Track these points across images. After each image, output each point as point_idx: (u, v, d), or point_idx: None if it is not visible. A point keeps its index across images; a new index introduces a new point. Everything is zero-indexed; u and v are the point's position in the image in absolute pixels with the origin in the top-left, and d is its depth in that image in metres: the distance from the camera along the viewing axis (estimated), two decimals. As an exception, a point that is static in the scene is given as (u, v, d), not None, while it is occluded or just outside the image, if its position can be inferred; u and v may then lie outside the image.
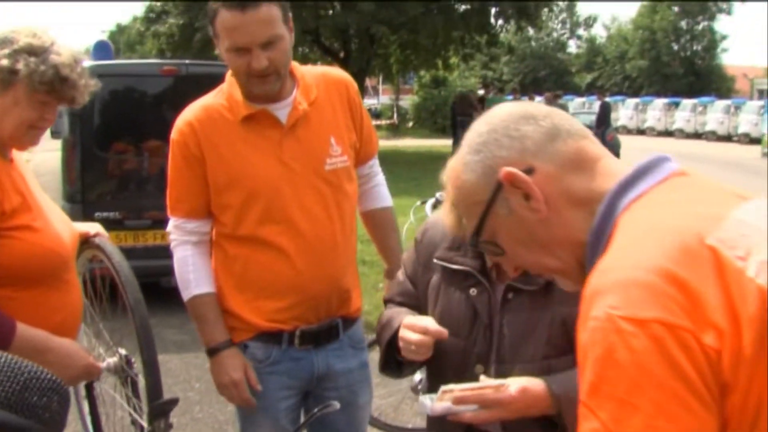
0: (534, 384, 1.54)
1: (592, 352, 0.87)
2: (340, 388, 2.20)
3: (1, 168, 1.82)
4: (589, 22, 59.98)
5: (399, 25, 18.23)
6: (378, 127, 29.14)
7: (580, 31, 60.91)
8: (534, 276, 1.61)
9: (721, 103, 31.60)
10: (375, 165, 2.36)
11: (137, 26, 25.24)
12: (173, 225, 2.15)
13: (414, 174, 13.31)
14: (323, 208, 2.10)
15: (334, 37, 21.02)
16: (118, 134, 6.05)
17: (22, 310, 1.80)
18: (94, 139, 5.89)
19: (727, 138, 29.33)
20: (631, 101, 36.50)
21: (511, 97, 22.97)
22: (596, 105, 22.67)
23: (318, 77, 2.17)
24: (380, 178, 2.39)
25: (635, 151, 20.88)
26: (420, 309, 1.81)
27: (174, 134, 2.09)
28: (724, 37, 50.95)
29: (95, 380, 2.24)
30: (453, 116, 20.88)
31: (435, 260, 1.77)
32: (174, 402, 2.01)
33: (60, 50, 1.82)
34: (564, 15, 58.34)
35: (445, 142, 20.56)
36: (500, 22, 21.37)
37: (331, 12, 18.87)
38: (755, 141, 25.86)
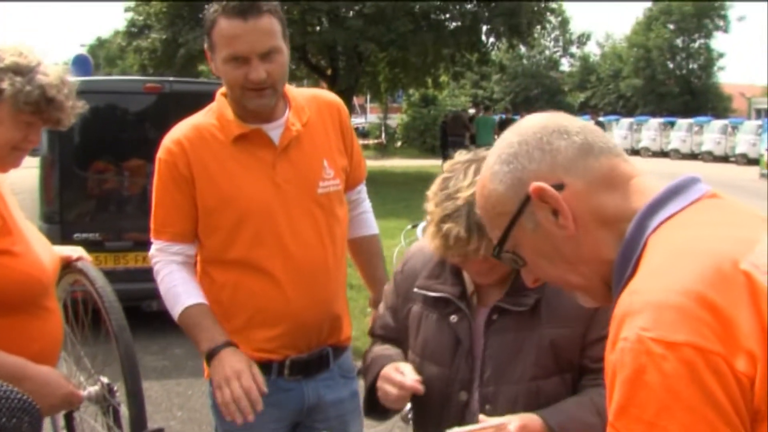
0: (531, 420, 1.58)
1: (621, 373, 0.88)
2: (331, 419, 2.19)
3: (-19, 190, 1.82)
4: (583, 40, 60.56)
5: (388, 43, 18.36)
6: (365, 146, 29.27)
7: (573, 49, 61.47)
8: (522, 297, 1.69)
9: (718, 123, 31.78)
10: (363, 191, 2.39)
11: (118, 40, 25.27)
12: (157, 248, 2.11)
13: (403, 195, 13.34)
14: (315, 232, 2.10)
15: (321, 54, 21.13)
16: (98, 153, 6.04)
17: (-1, 337, 1.79)
18: (74, 158, 5.88)
19: (724, 159, 29.55)
20: (626, 121, 36.74)
21: (499, 117, 23.08)
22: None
23: (310, 99, 2.19)
24: (367, 204, 2.41)
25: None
26: (401, 342, 1.88)
27: (162, 153, 2.07)
28: (720, 55, 51.38)
29: (75, 409, 2.22)
30: (443, 136, 20.96)
31: (415, 289, 1.82)
32: (159, 432, 1.99)
33: (47, 70, 1.82)
34: (557, 32, 58.92)
35: (435, 163, 20.63)
36: (491, 39, 21.55)
37: (318, 28, 18.98)
38: (753, 162, 26.05)
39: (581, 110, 49.48)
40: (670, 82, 49.27)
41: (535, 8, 20.48)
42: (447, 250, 1.65)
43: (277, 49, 1.96)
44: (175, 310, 2.04)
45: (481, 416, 1.61)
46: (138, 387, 1.96)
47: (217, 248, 2.08)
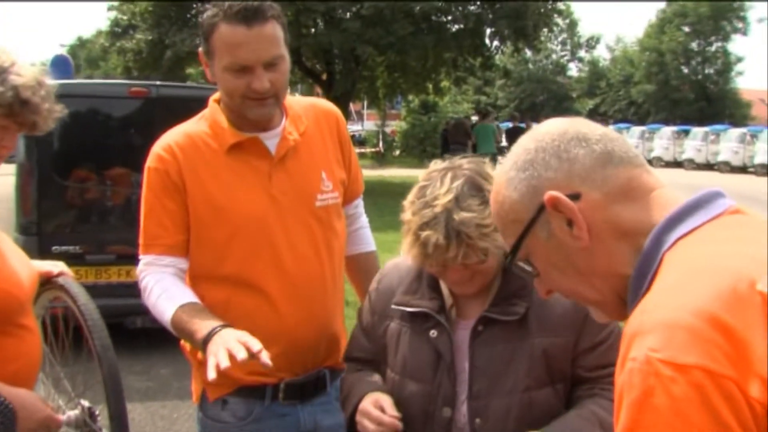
0: None
1: (629, 395, 0.89)
2: (328, 446, 2.18)
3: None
4: (592, 44, 60.90)
5: (386, 46, 18.40)
6: (362, 155, 29.29)
7: (582, 53, 61.80)
8: (511, 306, 1.75)
9: (736, 131, 31.84)
10: (360, 206, 2.40)
11: (101, 41, 25.31)
12: (145, 262, 2.07)
13: (401, 206, 13.32)
14: (312, 247, 2.10)
15: (316, 58, 21.16)
16: (79, 160, 6.04)
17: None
18: (53, 165, 5.87)
19: (742, 169, 29.59)
20: (637, 129, 36.87)
21: (507, 125, 23.14)
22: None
23: (307, 108, 2.20)
24: (364, 219, 2.42)
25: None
26: (378, 363, 1.93)
27: (152, 161, 2.06)
28: (739, 59, 51.43)
29: (54, 435, 2.20)
30: (443, 144, 20.98)
31: (393, 306, 1.88)
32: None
33: (21, 71, 1.81)
34: (564, 35, 59.21)
35: (436, 172, 20.60)
36: (496, 43, 21.60)
37: (313, 30, 19.03)
38: (773, 172, 26.20)
39: (590, 117, 49.33)
40: (685, 87, 49.38)
41: (542, 10, 20.53)
42: (426, 258, 1.70)
43: (281, 58, 1.97)
44: (167, 315, 1.96)
45: None
46: (122, 410, 1.94)
47: (207, 263, 2.07)
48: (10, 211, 6.06)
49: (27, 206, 5.86)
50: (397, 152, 33.47)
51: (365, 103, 38.21)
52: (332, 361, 2.19)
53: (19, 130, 1.86)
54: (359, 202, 2.39)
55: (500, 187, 1.14)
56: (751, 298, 0.88)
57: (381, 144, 31.91)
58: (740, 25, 49.12)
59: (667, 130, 35.02)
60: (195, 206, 2.04)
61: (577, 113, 53.27)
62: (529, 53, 42.12)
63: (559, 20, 28.35)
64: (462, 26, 20.10)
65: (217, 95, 2.13)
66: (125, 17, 21.40)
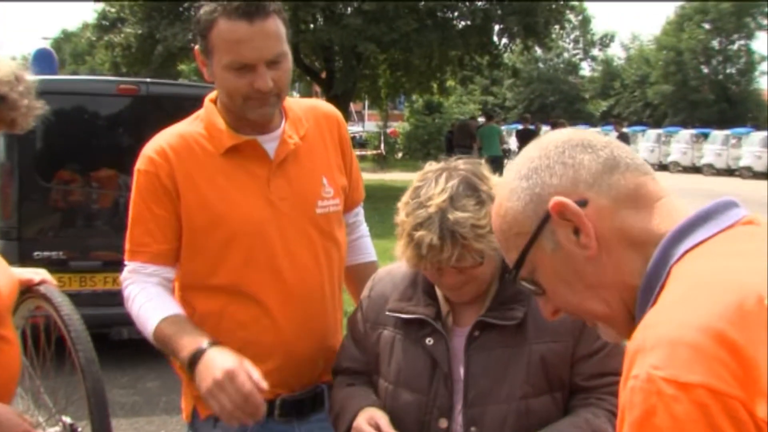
0: None
1: (630, 415, 0.89)
2: (326, 464, 2.18)
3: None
4: (606, 42, 61.03)
5: (389, 43, 18.45)
6: (363, 157, 29.32)
7: (595, 52, 61.92)
8: (509, 311, 1.78)
9: (759, 135, 31.63)
10: (360, 214, 2.40)
11: (87, 34, 25.34)
12: (129, 269, 2.07)
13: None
14: (312, 256, 2.10)
15: (315, 55, 21.22)
16: (63, 161, 6.04)
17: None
18: (36, 166, 5.87)
19: (766, 175, 29.53)
20: (653, 132, 36.92)
21: (516, 126, 23.16)
22: (613, 136, 22.73)
23: (307, 110, 2.19)
24: (364, 228, 2.43)
25: (658, 189, 20.88)
26: (370, 374, 1.96)
27: (142, 164, 2.06)
28: (763, 58, 51.47)
29: (33, 453, 2.19)
30: (449, 147, 21.02)
31: (387, 312, 1.91)
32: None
33: None
34: (577, 33, 59.34)
35: (440, 176, 20.62)
36: (504, 40, 21.66)
37: (312, 26, 19.08)
38: (799, 179, 26.15)
39: (603, 120, 49.76)
40: (704, 88, 49.33)
41: (553, 6, 20.60)
42: (420, 260, 1.73)
43: (284, 55, 1.97)
44: (149, 327, 1.96)
45: None
46: (106, 427, 1.93)
47: (200, 272, 2.07)
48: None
49: (7, 209, 5.85)
50: (400, 155, 33.52)
51: (366, 103, 38.34)
52: (330, 376, 2.17)
53: None
54: (359, 210, 2.40)
55: (502, 199, 1.15)
56: (759, 314, 0.88)
57: (382, 146, 31.96)
58: (765, 21, 48.94)
59: (685, 134, 35.02)
60: (188, 212, 2.03)
61: (590, 115, 53.40)
62: (539, 51, 42.22)
63: (571, 17, 28.50)
64: (469, 23, 20.16)
65: (213, 95, 2.12)
66: (113, 10, 21.37)
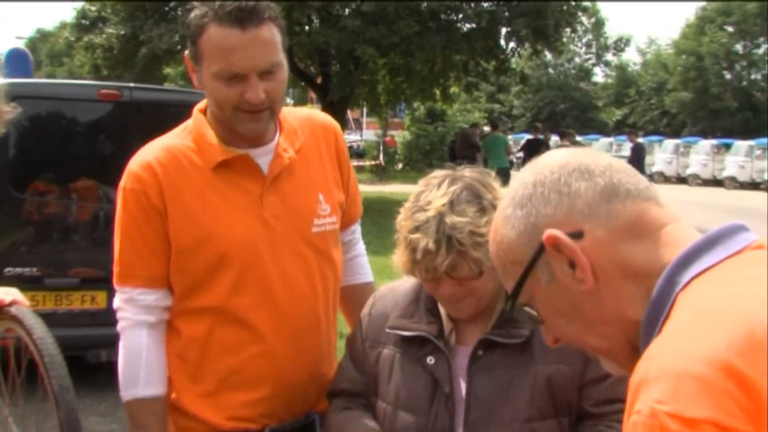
0: None
1: None
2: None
3: None
4: (620, 46, 61.29)
5: (389, 47, 18.49)
6: (361, 168, 29.38)
7: (609, 56, 62.18)
8: (514, 329, 1.80)
9: (786, 146, 31.88)
10: (357, 231, 2.41)
11: (65, 34, 25.36)
12: (125, 298, 2.08)
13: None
14: (307, 278, 2.10)
15: (310, 59, 21.29)
16: (39, 170, 6.02)
17: None
18: (9, 176, 5.85)
19: (794, 189, 29.61)
20: (671, 142, 37.00)
21: (524, 136, 23.20)
22: (627, 147, 22.96)
23: (302, 121, 2.20)
24: (361, 247, 2.44)
25: (675, 203, 20.91)
26: (367, 396, 1.98)
27: (128, 181, 2.05)
28: (791, 63, 51.49)
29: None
30: (451, 158, 21.06)
31: (387, 330, 1.95)
32: None
33: None
34: (589, 36, 59.58)
35: (443, 189, 20.64)
36: (512, 44, 21.75)
37: (307, 28, 19.14)
38: (828, 194, 26.15)
39: (617, 129, 49.92)
40: (727, 95, 49.36)
41: (564, 7, 20.67)
42: (414, 265, 1.78)
43: (278, 65, 1.96)
44: (126, 393, 2.06)
45: None
46: (81, 461, 1.92)
47: (187, 293, 2.07)
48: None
49: (-24, 222, 5.85)
50: (400, 166, 33.56)
51: (364, 111, 38.43)
52: (323, 405, 2.18)
53: None
54: (356, 228, 2.41)
55: (498, 225, 1.16)
56: None
57: (382, 156, 32.01)
58: (794, 24, 49.02)
59: (706, 144, 35.10)
60: (175, 230, 2.03)
61: (603, 124, 53.52)
62: (549, 56, 42.40)
63: (583, 19, 28.51)
64: (474, 25, 20.23)
65: (202, 104, 2.12)
66: (94, 8, 21.46)
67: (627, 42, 61.84)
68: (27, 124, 5.79)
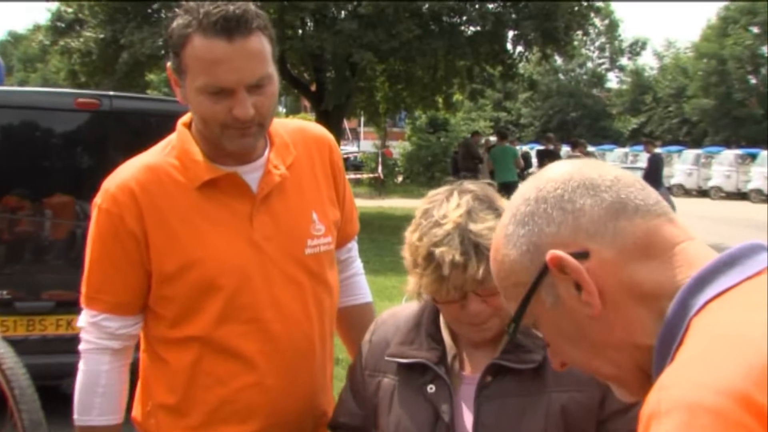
0: None
1: None
2: None
3: None
4: (636, 49, 61.54)
5: (388, 51, 18.56)
6: (358, 182, 29.42)
7: (624, 61, 62.40)
8: (526, 354, 1.81)
9: (817, 156, 31.86)
10: (354, 249, 2.42)
11: (39, 37, 25.35)
12: (89, 321, 2.09)
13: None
14: (300, 303, 2.10)
15: (304, 65, 21.35)
16: (10, 185, 6.00)
17: None
18: (-23, 191, 5.86)
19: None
20: (691, 153, 37.05)
21: (533, 146, 23.21)
22: (643, 158, 23.00)
23: (295, 134, 2.20)
24: (359, 265, 2.44)
25: (696, 218, 21.08)
26: (367, 429, 2.01)
27: (104, 201, 2.05)
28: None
29: None
30: (454, 170, 21.10)
31: (386, 357, 1.95)
32: None
33: None
34: (603, 39, 59.81)
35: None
36: (519, 48, 21.80)
37: (301, 32, 19.21)
38: None
39: (633, 139, 50.03)
40: (752, 102, 49.40)
41: (575, 8, 20.73)
42: (442, 284, 1.75)
43: (268, 78, 1.95)
44: (79, 419, 2.09)
45: None
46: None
47: (170, 323, 2.07)
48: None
49: (-58, 241, 5.85)
50: (400, 179, 33.61)
51: (362, 120, 38.54)
52: (319, 438, 2.19)
53: None
54: (353, 245, 2.41)
55: (499, 244, 1.17)
56: None
57: (380, 169, 32.06)
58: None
59: (729, 155, 35.13)
60: (158, 256, 2.03)
61: (618, 133, 53.61)
62: (559, 61, 42.54)
63: (596, 21, 28.65)
64: (479, 28, 20.30)
65: (187, 117, 2.11)
66: (70, 10, 21.40)
67: (643, 45, 62.22)
68: (-2, 135, 5.80)
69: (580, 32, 23.10)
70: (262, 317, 2.05)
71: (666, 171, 23.82)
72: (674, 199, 19.29)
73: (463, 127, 34.44)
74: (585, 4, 21.58)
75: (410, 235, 1.83)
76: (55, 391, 5.12)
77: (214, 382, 2.04)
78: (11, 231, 6.03)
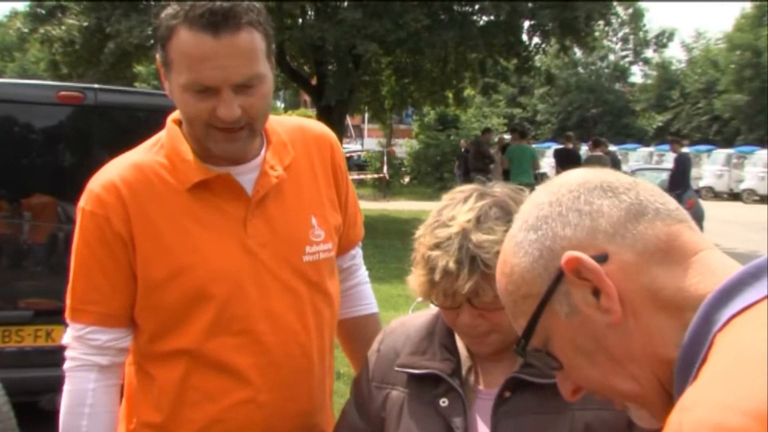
0: None
1: None
2: None
3: None
4: (662, 41, 61.40)
5: (395, 43, 18.56)
6: (362, 182, 29.44)
7: (649, 53, 62.29)
8: (546, 367, 1.72)
9: None
10: (358, 256, 2.43)
11: (17, 24, 25.30)
12: (75, 335, 2.09)
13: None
14: (297, 314, 2.10)
15: (304, 57, 21.37)
16: (-13, 185, 6.04)
17: None
18: (-49, 191, 5.87)
19: None
20: (721, 153, 37.04)
21: (550, 145, 23.15)
22: (670, 158, 22.97)
23: (293, 132, 2.20)
24: (363, 273, 2.45)
25: (726, 224, 20.99)
26: None
27: (88, 203, 2.05)
28: None
29: None
30: (464, 171, 21.09)
31: (396, 368, 1.95)
32: None
33: None
34: (626, 30, 59.71)
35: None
36: (536, 40, 21.81)
37: (300, 21, 19.22)
38: None
39: (658, 137, 49.95)
40: (789, 97, 49.22)
41: (597, -3, 20.71)
42: (431, 288, 1.78)
43: (258, 77, 1.94)
44: None
45: None
46: None
47: (158, 334, 2.07)
48: None
49: None
50: (407, 180, 33.61)
51: (366, 117, 38.52)
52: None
53: None
54: (357, 252, 2.42)
55: (507, 255, 1.17)
56: None
57: (386, 169, 32.08)
58: None
59: (763, 154, 35.02)
60: (145, 262, 2.03)
61: (642, 131, 53.49)
62: (578, 53, 42.48)
63: (619, 10, 28.64)
64: (492, 18, 20.30)
65: (177, 114, 2.11)
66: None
67: (670, 36, 62.06)
68: (-28, 132, 5.81)
69: (601, 22, 23.08)
70: (255, 329, 2.05)
71: (694, 172, 23.81)
72: (703, 203, 19.20)
73: (475, 125, 34.38)
74: (607, -8, 21.55)
75: (420, 230, 1.86)
76: (33, 407, 5.13)
77: (203, 398, 2.04)
78: (-13, 234, 6.05)
